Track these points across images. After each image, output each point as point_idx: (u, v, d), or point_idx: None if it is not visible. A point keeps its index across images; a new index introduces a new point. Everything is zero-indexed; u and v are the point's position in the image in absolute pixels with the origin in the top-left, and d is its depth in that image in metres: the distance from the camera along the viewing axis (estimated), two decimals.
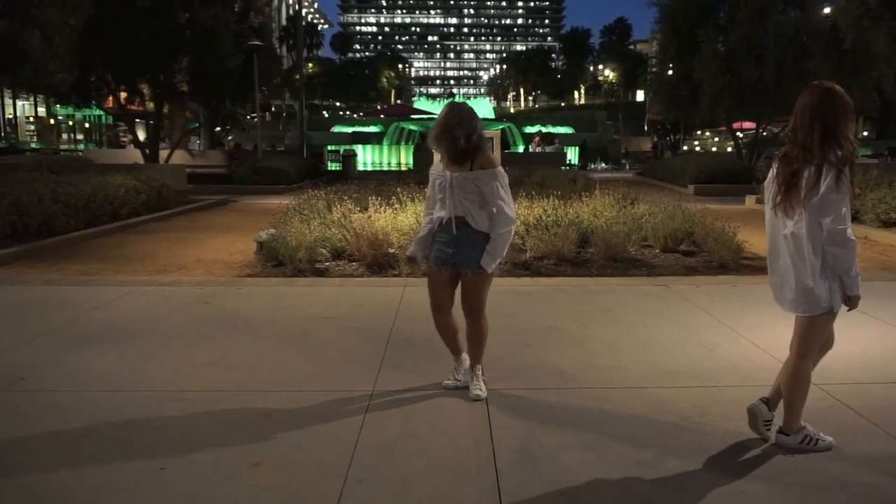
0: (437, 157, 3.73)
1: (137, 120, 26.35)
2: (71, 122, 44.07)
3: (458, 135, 3.49)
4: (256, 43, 19.72)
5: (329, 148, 29.31)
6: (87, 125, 44.61)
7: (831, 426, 3.25)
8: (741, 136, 25.40)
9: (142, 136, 24.28)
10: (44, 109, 36.07)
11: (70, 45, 13.00)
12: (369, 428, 3.31)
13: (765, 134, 22.57)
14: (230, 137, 30.78)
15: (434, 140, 3.58)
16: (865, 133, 37.88)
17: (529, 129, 41.48)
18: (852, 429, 3.29)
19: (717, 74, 19.84)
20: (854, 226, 2.87)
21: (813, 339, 2.98)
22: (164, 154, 20.36)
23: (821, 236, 2.82)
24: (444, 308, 3.73)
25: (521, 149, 34.97)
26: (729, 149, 34.75)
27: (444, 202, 3.59)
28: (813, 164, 2.81)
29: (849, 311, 2.95)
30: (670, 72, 23.24)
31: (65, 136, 43.34)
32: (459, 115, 3.52)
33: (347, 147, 28.96)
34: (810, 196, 2.81)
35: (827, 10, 19.72)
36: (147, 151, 19.93)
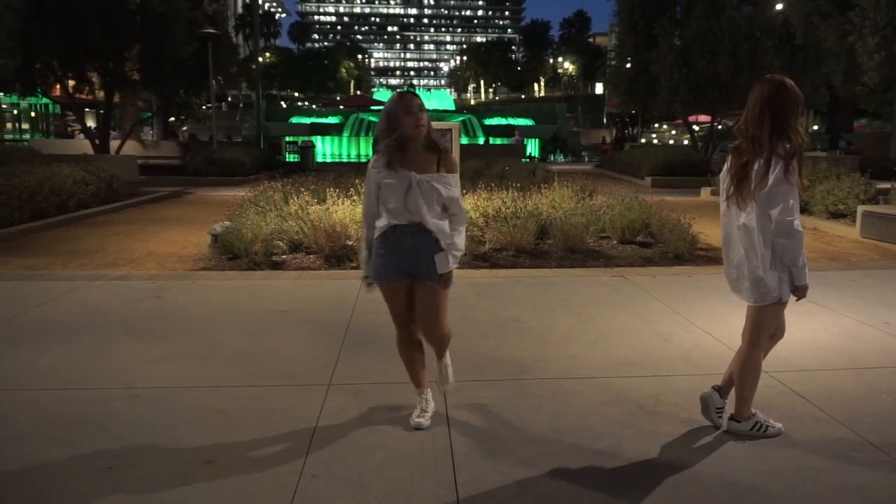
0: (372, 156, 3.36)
1: (87, 109, 25.55)
2: (15, 111, 42.44)
3: (432, 131, 3.13)
4: (211, 31, 19.30)
5: (287, 139, 28.86)
6: (33, 114, 43.01)
7: (781, 413, 3.33)
8: (697, 129, 25.89)
9: (92, 125, 23.52)
10: None
11: (12, 30, 12.50)
12: (325, 422, 3.26)
13: (720, 127, 23.06)
14: (185, 128, 30.08)
15: (410, 134, 3.03)
16: (815, 127, 39.00)
17: (489, 122, 41.59)
18: (801, 415, 3.38)
19: (674, 68, 20.23)
20: (804, 217, 2.94)
21: (763, 327, 3.04)
22: (115, 144, 19.77)
23: (770, 227, 2.87)
24: (409, 321, 3.28)
25: (481, 140, 35.09)
26: (685, 142, 35.41)
27: (400, 207, 3.07)
28: (762, 157, 2.86)
29: (797, 300, 3.02)
30: (628, 65, 23.54)
31: (9, 125, 41.73)
32: (425, 109, 3.10)
33: (306, 138, 28.54)
34: (759, 188, 2.86)
35: (779, 7, 20.25)
36: (97, 141, 19.34)
